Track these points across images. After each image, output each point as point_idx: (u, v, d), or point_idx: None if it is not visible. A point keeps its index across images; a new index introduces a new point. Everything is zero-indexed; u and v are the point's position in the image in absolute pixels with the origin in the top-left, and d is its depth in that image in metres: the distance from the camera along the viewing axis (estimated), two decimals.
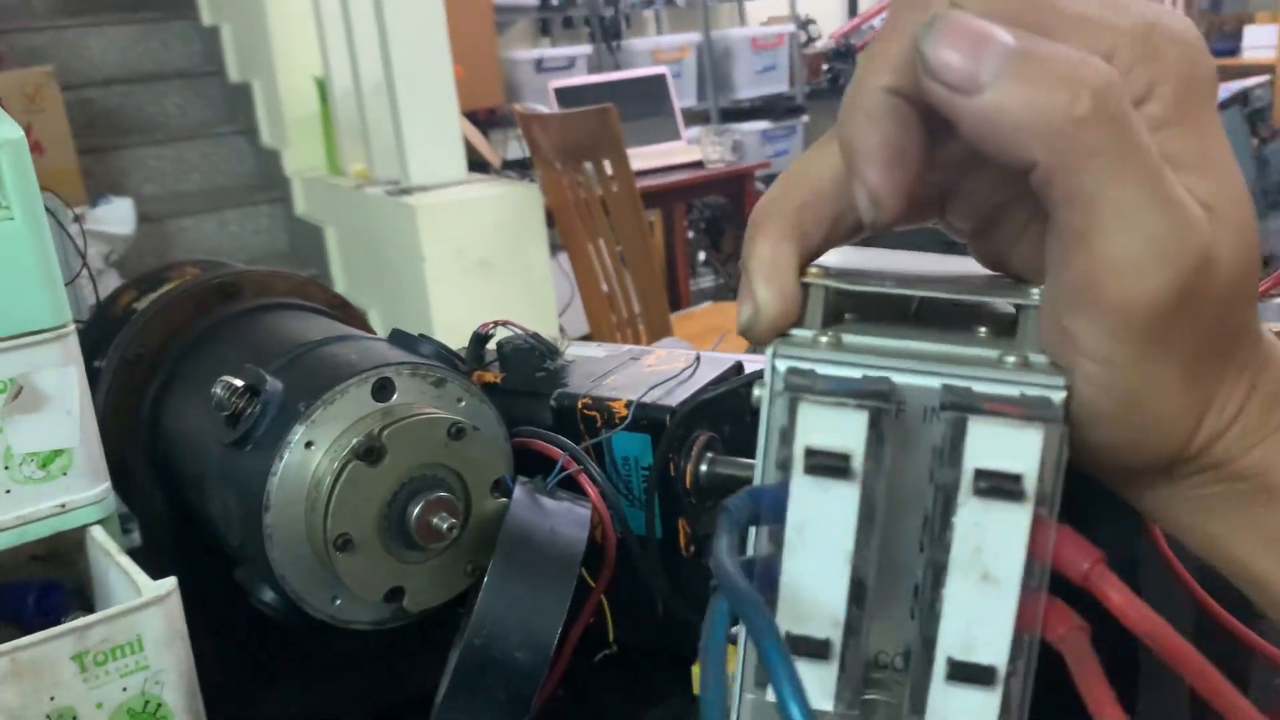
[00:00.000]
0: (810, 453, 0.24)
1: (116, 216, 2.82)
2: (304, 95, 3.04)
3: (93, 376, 0.61)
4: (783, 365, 0.26)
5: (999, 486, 0.23)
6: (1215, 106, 0.24)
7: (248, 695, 0.61)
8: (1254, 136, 2.17)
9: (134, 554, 0.56)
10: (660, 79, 3.45)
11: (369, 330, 0.67)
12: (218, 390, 0.54)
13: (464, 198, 2.40)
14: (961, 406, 0.24)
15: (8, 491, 0.54)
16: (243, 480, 0.53)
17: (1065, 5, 0.23)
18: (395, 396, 0.52)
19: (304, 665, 0.61)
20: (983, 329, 0.27)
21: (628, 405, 0.61)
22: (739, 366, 0.67)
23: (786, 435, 0.24)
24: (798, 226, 0.28)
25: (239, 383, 0.54)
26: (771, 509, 0.25)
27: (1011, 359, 0.25)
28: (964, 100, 0.22)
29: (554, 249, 2.68)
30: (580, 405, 0.63)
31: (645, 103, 3.38)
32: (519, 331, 0.70)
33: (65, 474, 0.54)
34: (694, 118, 4.02)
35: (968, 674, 0.24)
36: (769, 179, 4.05)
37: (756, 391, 0.26)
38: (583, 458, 0.56)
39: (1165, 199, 0.22)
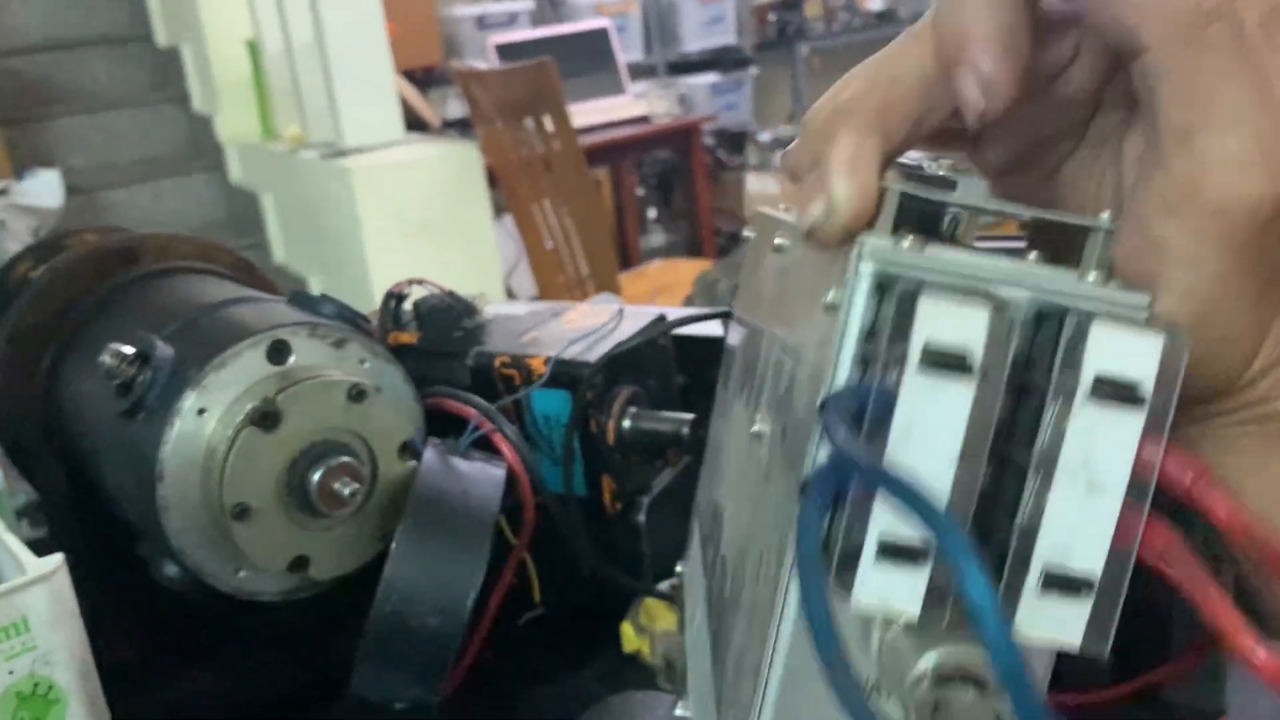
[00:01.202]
0: (929, 348, 0.23)
1: (43, 190, 2.73)
2: (235, 58, 2.96)
3: None
4: (869, 266, 0.24)
5: (1117, 393, 0.23)
6: None
7: (163, 674, 0.59)
8: None
9: (38, 540, 0.54)
10: (603, 33, 3.40)
11: (275, 293, 0.64)
12: (106, 358, 0.51)
13: (401, 159, 2.35)
14: (1081, 311, 0.23)
15: None
16: (136, 451, 0.50)
17: None
18: (292, 359, 0.50)
19: (221, 641, 0.59)
20: (1033, 254, 0.26)
21: (546, 362, 0.59)
22: (661, 319, 0.66)
23: (899, 329, 0.23)
24: (881, 125, 0.26)
25: (128, 350, 0.51)
26: (876, 408, 0.23)
27: (1091, 276, 0.25)
28: None
29: (499, 210, 2.64)
30: (498, 363, 0.61)
31: (589, 57, 3.32)
32: (436, 290, 0.68)
33: None
34: (641, 72, 3.97)
35: (1062, 583, 0.24)
36: (718, 133, 4.02)
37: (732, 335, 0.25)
38: (496, 416, 0.55)
39: (1273, 104, 0.22)
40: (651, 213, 4.09)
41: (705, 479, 0.45)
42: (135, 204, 3.16)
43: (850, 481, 0.23)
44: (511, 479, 0.54)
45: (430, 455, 0.51)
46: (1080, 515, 0.23)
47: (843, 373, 0.24)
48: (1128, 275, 0.25)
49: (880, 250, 0.24)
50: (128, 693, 0.53)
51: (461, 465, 0.52)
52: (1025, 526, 0.24)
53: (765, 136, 4.27)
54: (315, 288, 2.67)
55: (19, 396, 0.61)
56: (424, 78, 3.15)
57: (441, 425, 0.56)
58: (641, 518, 0.60)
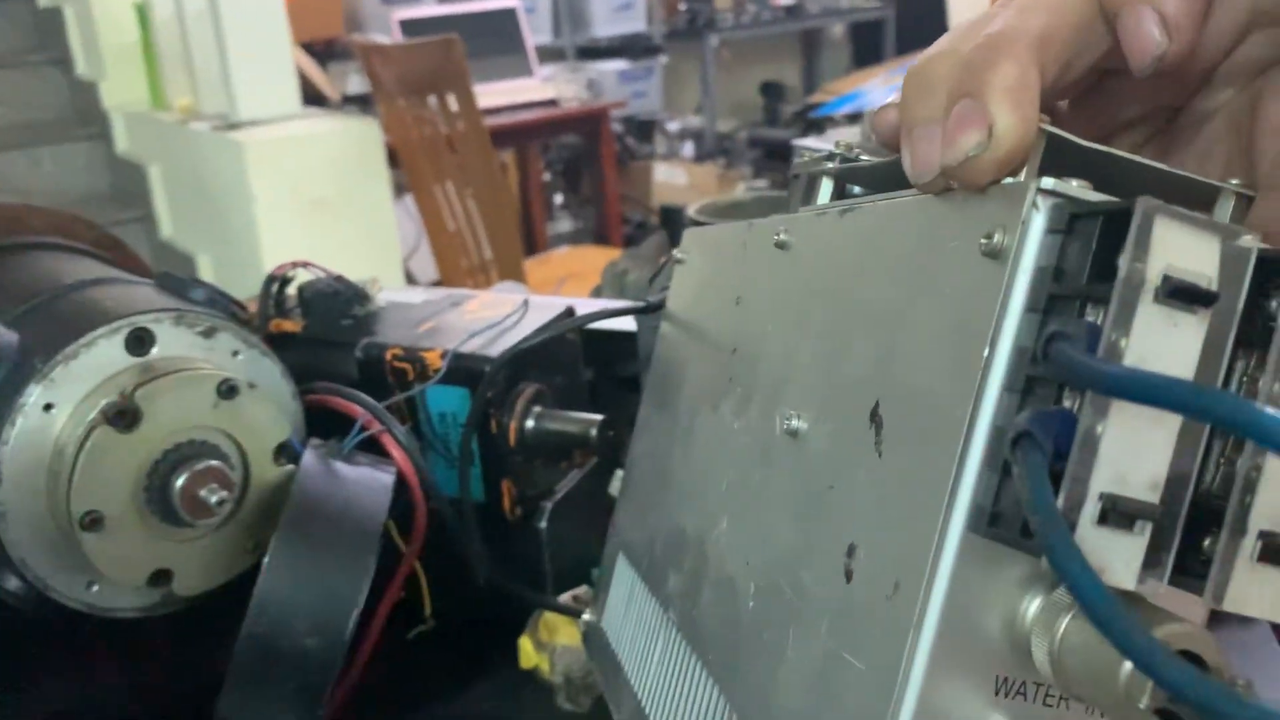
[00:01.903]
0: (1167, 278, 0.21)
1: None
2: (122, 22, 2.80)
3: None
4: (1049, 201, 0.22)
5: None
6: None
7: (5, 696, 0.53)
8: None
9: None
10: (511, 13, 3.33)
11: (145, 274, 0.59)
12: None
13: (297, 133, 2.25)
14: None
15: None
16: None
17: None
18: (155, 350, 0.45)
19: (68, 659, 0.54)
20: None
21: (443, 355, 0.55)
22: (570, 311, 0.62)
23: (1102, 262, 0.22)
24: (1040, 57, 0.25)
25: None
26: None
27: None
28: None
29: (400, 190, 2.56)
30: (390, 356, 0.56)
31: (497, 37, 3.25)
32: (322, 274, 0.62)
33: None
34: (550, 55, 3.91)
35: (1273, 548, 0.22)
36: (626, 120, 3.98)
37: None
38: (385, 416, 0.50)
39: None
40: (558, 198, 4.03)
41: (648, 510, 0.41)
42: (12, 172, 2.98)
43: (1071, 430, 0.21)
44: (401, 484, 0.49)
45: (310, 458, 0.46)
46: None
47: (1012, 319, 0.22)
48: (1275, 242, 0.23)
49: (1057, 185, 0.22)
50: None
51: (345, 470, 0.47)
52: (1243, 485, 0.22)
53: (674, 125, 4.25)
54: (204, 266, 2.55)
55: None
56: (323, 51, 3.04)
57: (325, 424, 0.51)
58: (544, 524, 0.56)
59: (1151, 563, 0.21)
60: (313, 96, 2.61)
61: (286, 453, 0.46)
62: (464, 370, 0.55)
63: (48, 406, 0.43)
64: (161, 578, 0.45)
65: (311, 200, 2.19)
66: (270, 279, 0.61)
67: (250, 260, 2.20)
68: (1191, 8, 0.24)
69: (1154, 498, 0.21)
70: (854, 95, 3.94)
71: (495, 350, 0.55)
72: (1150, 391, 0.20)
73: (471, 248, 2.34)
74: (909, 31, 4.63)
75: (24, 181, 2.96)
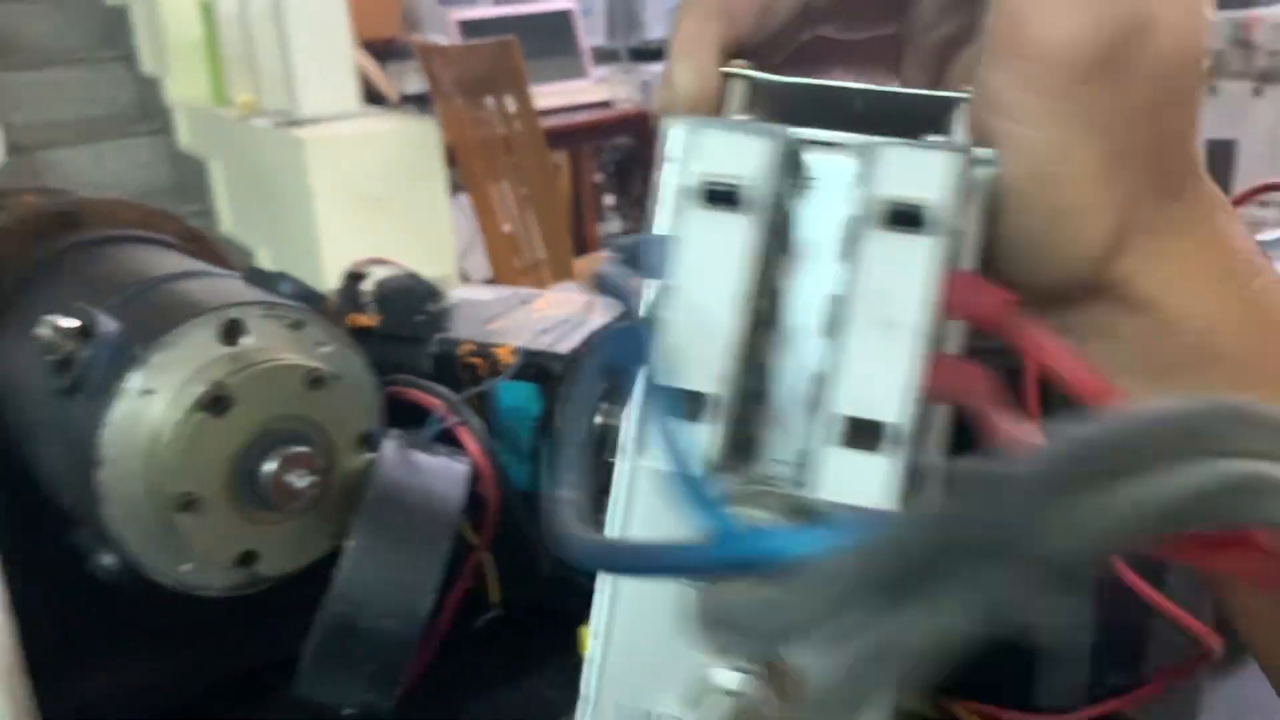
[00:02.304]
0: (706, 182, 0.22)
1: None
2: (187, 19, 2.86)
3: None
4: (682, 131, 0.24)
5: (905, 213, 0.22)
6: None
7: (88, 665, 0.56)
8: None
9: None
10: (566, 15, 3.36)
11: (227, 268, 0.61)
12: (43, 331, 0.48)
13: (356, 131, 2.29)
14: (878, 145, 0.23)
15: None
16: (73, 433, 0.47)
17: None
18: (246, 340, 0.47)
19: (152, 631, 0.56)
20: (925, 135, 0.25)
21: (514, 352, 0.57)
22: None
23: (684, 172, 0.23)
24: (722, 8, 0.26)
25: (68, 323, 0.47)
26: (657, 259, 0.23)
27: (938, 139, 0.24)
28: None
29: (455, 189, 2.59)
30: (463, 352, 0.58)
31: (552, 39, 3.28)
32: (398, 271, 0.64)
33: None
34: (604, 57, 3.93)
35: (863, 433, 0.22)
36: None
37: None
38: (462, 408, 0.52)
39: None
40: (609, 199, 4.05)
41: None
42: (76, 165, 3.06)
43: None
44: (473, 475, 0.51)
45: (389, 448, 0.48)
46: (879, 357, 0.22)
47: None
48: (978, 138, 0.24)
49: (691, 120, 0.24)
50: (50, 685, 0.49)
51: (423, 459, 0.49)
52: (823, 375, 0.22)
53: None
54: (263, 260, 2.60)
55: None
56: (382, 50, 3.08)
57: (400, 416, 0.53)
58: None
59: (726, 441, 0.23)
60: (372, 95, 2.65)
61: (369, 442, 0.48)
62: (534, 366, 0.56)
63: (146, 392, 0.45)
64: (249, 559, 0.47)
65: (369, 198, 2.22)
66: (348, 275, 0.63)
67: (308, 256, 2.24)
68: None
69: (722, 389, 0.23)
70: None
71: (564, 347, 0.57)
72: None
73: (524, 247, 2.36)
74: None
75: (88, 175, 3.04)
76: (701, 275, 0.23)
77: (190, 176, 3.03)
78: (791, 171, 0.23)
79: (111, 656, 0.55)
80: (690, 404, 0.23)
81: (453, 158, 2.36)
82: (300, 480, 0.45)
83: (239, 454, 0.45)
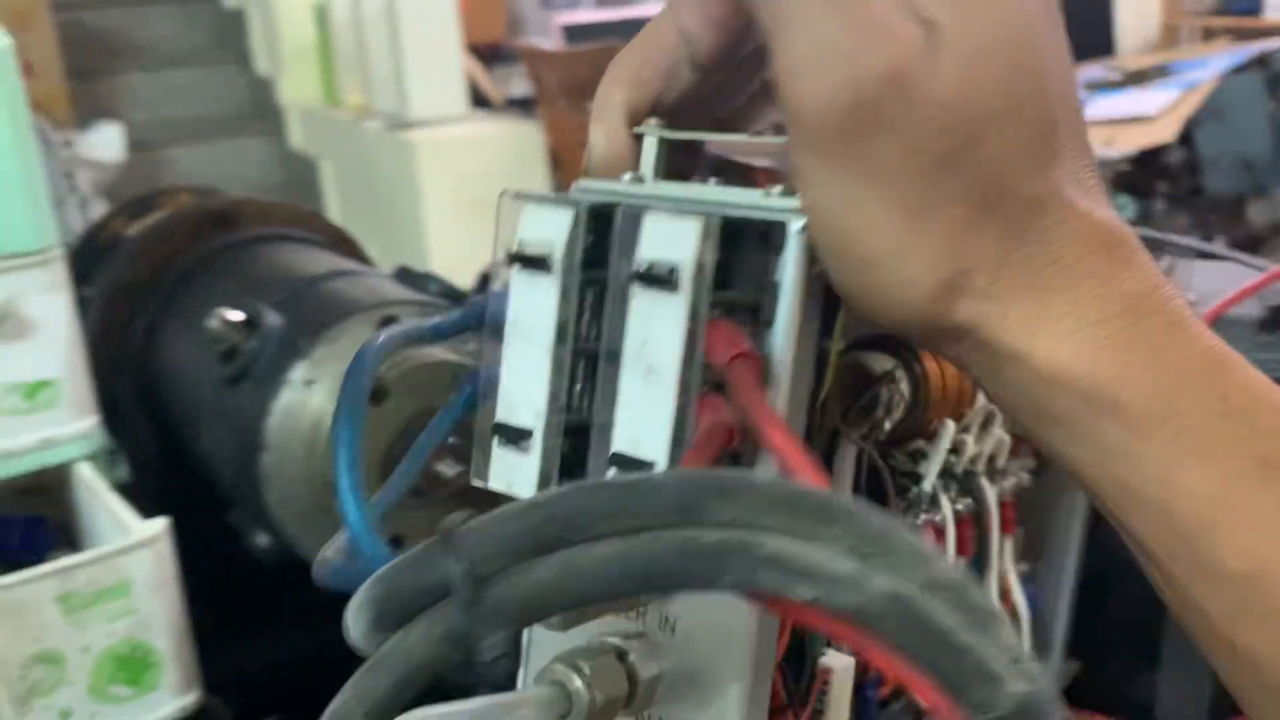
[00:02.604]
0: (523, 248, 0.26)
1: (106, 142, 2.75)
2: (301, 22, 2.96)
3: (80, 305, 0.58)
4: (507, 203, 0.27)
5: (662, 277, 0.24)
6: None
7: (240, 640, 0.59)
8: (1272, 101, 2.11)
9: (122, 490, 0.54)
10: None
11: (370, 266, 0.64)
12: (213, 323, 0.51)
13: (465, 134, 2.34)
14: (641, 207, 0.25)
15: None
16: (237, 419, 0.50)
17: None
18: None
19: (299, 607, 0.59)
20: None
21: None
22: None
23: (510, 232, 0.27)
24: (634, 75, 0.28)
25: (236, 316, 0.51)
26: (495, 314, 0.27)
27: (775, 191, 0.25)
28: None
29: (558, 191, 2.62)
30: None
31: None
32: None
33: (52, 406, 0.52)
34: None
35: (634, 470, 0.24)
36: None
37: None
38: None
39: (845, 6, 0.22)
40: None
41: None
42: (193, 162, 3.18)
43: None
44: None
45: None
46: (643, 400, 0.24)
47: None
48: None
49: (590, 185, 0.28)
50: (211, 657, 0.53)
51: None
52: (605, 422, 0.25)
53: None
54: (372, 257, 2.67)
55: (114, 356, 0.61)
56: (488, 54, 3.14)
57: None
58: None
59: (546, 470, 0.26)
60: (478, 99, 2.70)
61: None
62: None
63: (308, 382, 0.48)
64: (396, 543, 0.49)
65: (475, 200, 2.27)
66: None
67: (416, 257, 2.30)
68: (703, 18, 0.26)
69: (538, 425, 0.26)
70: None
71: None
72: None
73: None
74: (1070, 42, 4.50)
75: (204, 173, 3.16)
76: (523, 328, 0.26)
77: (301, 176, 3.12)
78: (600, 234, 0.26)
79: (263, 630, 0.59)
80: (518, 437, 0.26)
81: (556, 160, 2.40)
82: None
83: (392, 442, 0.48)
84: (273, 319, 0.50)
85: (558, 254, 0.25)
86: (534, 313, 0.26)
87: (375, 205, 2.60)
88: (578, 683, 0.24)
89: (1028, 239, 0.23)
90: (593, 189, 0.28)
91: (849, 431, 0.34)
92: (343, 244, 0.66)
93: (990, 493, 0.39)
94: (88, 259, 0.68)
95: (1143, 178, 2.24)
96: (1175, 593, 0.24)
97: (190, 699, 0.52)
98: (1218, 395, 0.23)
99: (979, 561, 0.40)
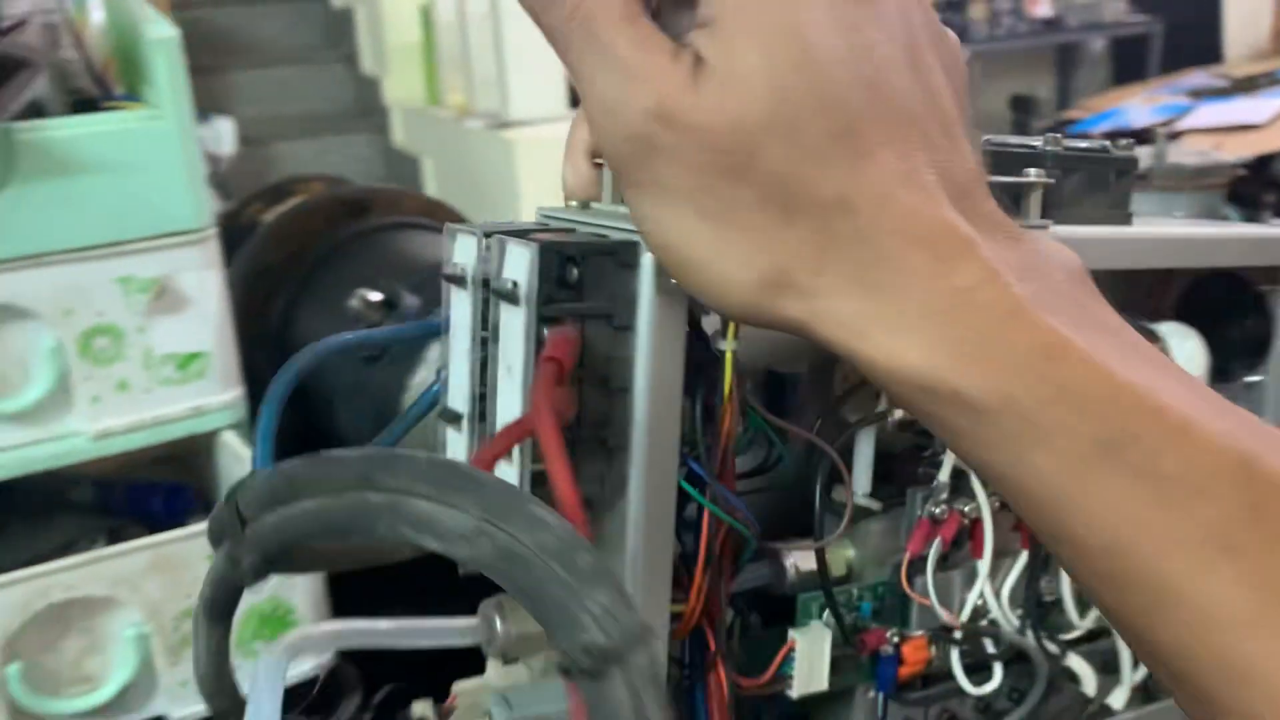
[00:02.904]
0: (451, 270, 0.31)
1: (219, 136, 2.85)
2: (406, 23, 3.03)
3: None
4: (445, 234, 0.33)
5: (512, 294, 0.29)
6: None
7: (369, 611, 0.62)
8: None
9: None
10: None
11: None
12: (354, 303, 0.54)
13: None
14: (512, 234, 0.30)
15: (146, 391, 0.54)
16: (376, 394, 0.52)
17: None
18: None
19: (425, 582, 0.62)
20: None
21: None
22: None
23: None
24: (580, 143, 0.32)
25: (376, 296, 0.53)
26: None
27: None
28: None
29: None
30: None
31: None
32: None
33: (201, 377, 0.55)
34: None
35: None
36: None
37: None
38: None
39: (614, 62, 0.24)
40: None
41: None
42: (300, 157, 3.28)
43: None
44: None
45: None
46: (506, 394, 0.29)
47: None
48: None
49: (547, 210, 0.33)
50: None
51: None
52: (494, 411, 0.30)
53: None
54: None
55: (253, 334, 0.65)
56: None
57: None
58: None
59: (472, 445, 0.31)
60: (575, 99, 2.74)
61: None
62: None
63: None
64: None
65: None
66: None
67: None
68: None
69: (467, 409, 0.31)
70: (1113, 113, 3.75)
71: None
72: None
73: None
74: (1177, 48, 4.37)
75: (310, 167, 3.25)
76: (457, 333, 0.32)
77: (404, 172, 3.20)
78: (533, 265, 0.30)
79: (391, 604, 0.61)
80: (455, 418, 0.32)
81: None
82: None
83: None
84: (410, 300, 0.52)
85: (469, 274, 0.31)
86: (459, 321, 0.32)
87: (475, 202, 2.65)
88: (497, 619, 0.31)
89: (841, 238, 0.24)
90: (547, 212, 0.33)
91: (848, 416, 0.36)
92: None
93: None
94: (227, 242, 0.71)
95: (1251, 186, 2.17)
96: (1059, 563, 0.26)
97: (326, 658, 0.54)
98: (1053, 384, 0.23)
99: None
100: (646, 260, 0.28)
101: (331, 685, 0.57)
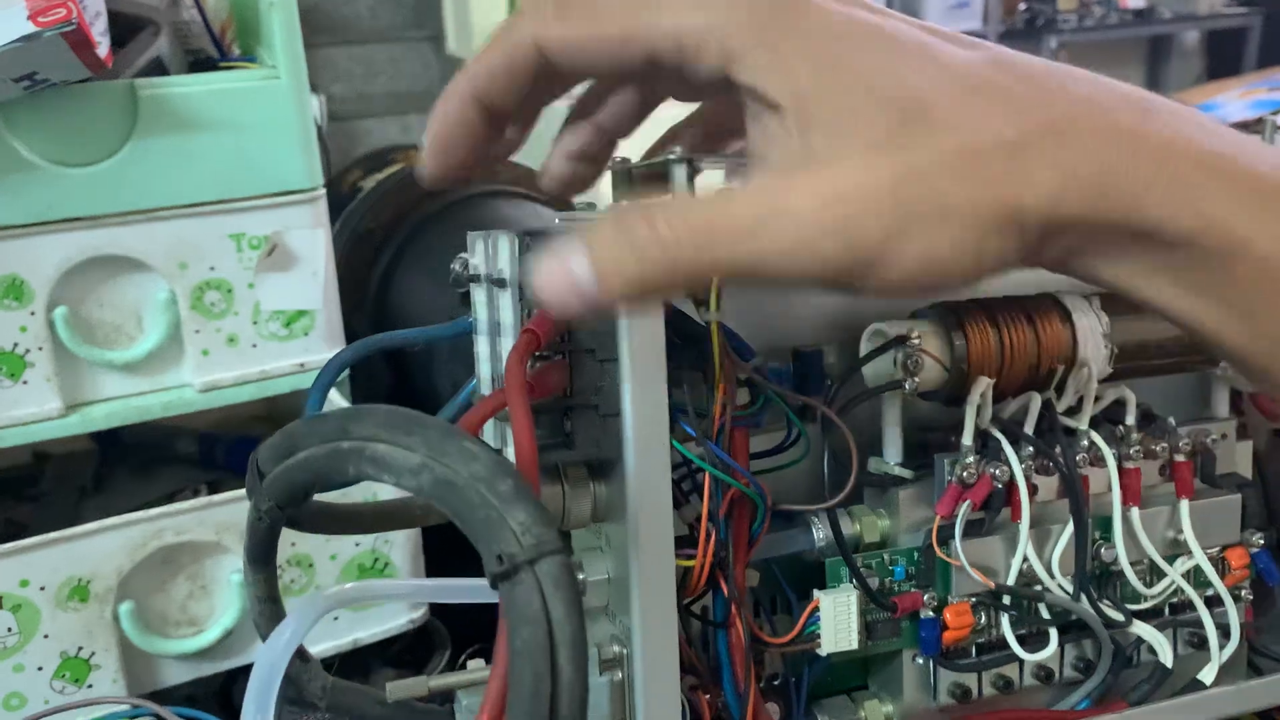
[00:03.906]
0: (469, 268, 0.37)
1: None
2: (492, 5, 3.05)
3: None
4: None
5: (500, 280, 0.33)
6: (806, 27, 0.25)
7: (461, 570, 0.63)
8: None
9: None
10: None
11: None
12: (456, 266, 0.54)
13: None
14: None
15: (253, 346, 0.56)
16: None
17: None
18: None
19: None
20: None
21: None
22: None
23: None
24: (473, 69, 0.32)
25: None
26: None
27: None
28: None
29: None
30: None
31: None
32: None
33: (306, 335, 0.56)
34: None
35: None
36: None
37: None
38: None
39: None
40: None
41: None
42: (385, 134, 3.32)
43: None
44: None
45: None
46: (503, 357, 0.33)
47: None
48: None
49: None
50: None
51: None
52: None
53: None
54: None
55: (353, 297, 0.66)
56: None
57: None
58: None
59: None
60: None
61: None
62: None
63: None
64: None
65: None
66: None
67: None
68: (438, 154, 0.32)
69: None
70: (1207, 106, 3.65)
71: None
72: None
73: None
74: (1276, 41, 4.22)
75: (394, 144, 3.30)
76: (479, 327, 0.37)
77: None
78: (513, 251, 0.34)
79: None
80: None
81: None
82: None
83: None
84: None
85: (482, 273, 0.35)
86: (481, 317, 0.36)
87: None
88: None
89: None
90: (563, 216, 0.38)
91: (868, 385, 0.38)
92: (559, 203, 0.69)
93: (1104, 449, 0.39)
94: (329, 207, 0.73)
95: None
96: None
97: (419, 614, 0.56)
98: None
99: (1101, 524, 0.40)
100: None
101: (421, 640, 0.58)
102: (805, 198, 0.24)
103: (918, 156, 0.24)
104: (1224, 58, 4.42)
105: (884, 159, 0.24)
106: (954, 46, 0.26)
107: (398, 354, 0.64)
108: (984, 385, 0.37)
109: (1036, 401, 0.38)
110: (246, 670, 0.56)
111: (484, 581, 0.31)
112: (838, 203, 0.24)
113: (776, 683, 0.39)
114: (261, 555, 0.31)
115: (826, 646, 0.37)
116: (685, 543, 0.34)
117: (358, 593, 0.33)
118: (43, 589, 0.48)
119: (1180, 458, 0.40)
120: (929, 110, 0.24)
